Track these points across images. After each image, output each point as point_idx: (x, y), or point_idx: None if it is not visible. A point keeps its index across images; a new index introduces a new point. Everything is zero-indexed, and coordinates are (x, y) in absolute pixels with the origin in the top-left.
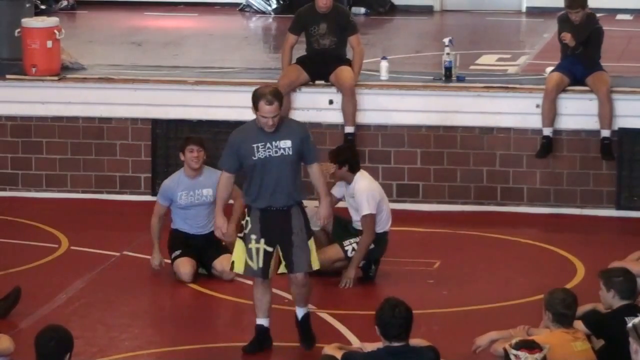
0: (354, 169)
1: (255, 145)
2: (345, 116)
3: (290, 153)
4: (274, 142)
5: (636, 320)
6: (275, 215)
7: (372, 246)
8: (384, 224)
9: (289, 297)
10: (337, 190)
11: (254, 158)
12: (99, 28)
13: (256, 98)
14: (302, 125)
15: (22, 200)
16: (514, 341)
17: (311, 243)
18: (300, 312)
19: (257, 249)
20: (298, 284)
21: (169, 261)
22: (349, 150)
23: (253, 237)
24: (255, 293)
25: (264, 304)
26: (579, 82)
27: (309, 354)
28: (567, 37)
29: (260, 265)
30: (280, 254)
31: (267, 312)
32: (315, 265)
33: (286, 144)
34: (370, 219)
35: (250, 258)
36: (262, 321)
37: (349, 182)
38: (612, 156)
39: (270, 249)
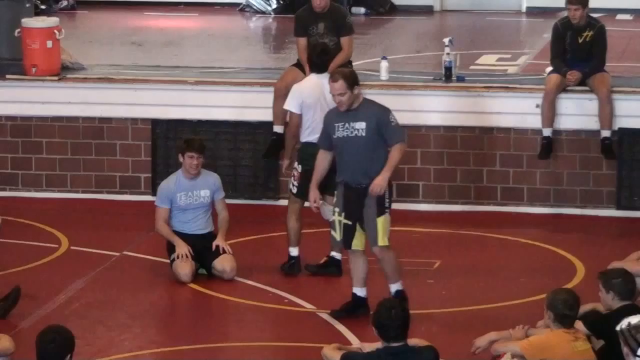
0: None
1: (335, 125)
2: None
3: (364, 134)
4: (351, 123)
5: (624, 323)
6: (354, 192)
7: None
8: None
9: (289, 297)
10: None
11: (334, 136)
12: (99, 28)
13: None
14: (382, 108)
15: (22, 200)
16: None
17: (381, 220)
18: (392, 288)
19: (339, 222)
20: (378, 258)
21: (167, 261)
22: None
23: (336, 209)
24: (350, 263)
25: (355, 272)
26: (580, 82)
27: (309, 354)
28: (574, 75)
29: (342, 236)
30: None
31: (360, 281)
32: (382, 242)
33: (361, 125)
34: None
35: (334, 229)
36: (355, 289)
37: None
38: (613, 155)
39: (349, 222)
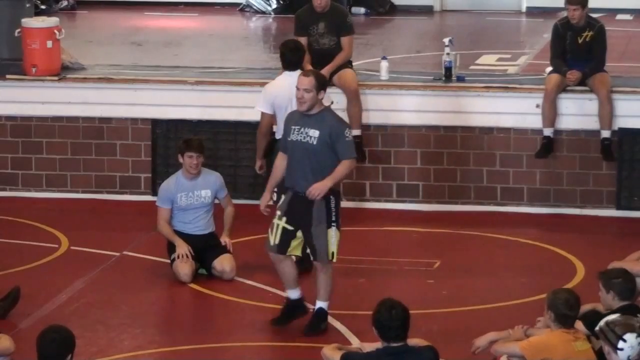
0: None
1: (292, 127)
2: (352, 119)
3: (315, 143)
4: (306, 129)
5: (602, 322)
6: (300, 200)
7: None
8: None
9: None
10: None
11: (288, 139)
12: (99, 28)
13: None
14: (340, 122)
15: (22, 200)
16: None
17: (331, 234)
18: (317, 304)
19: (278, 225)
20: (318, 270)
21: (168, 261)
22: None
23: (278, 212)
24: (277, 269)
25: (284, 275)
26: (580, 83)
27: (309, 354)
28: (575, 74)
29: (277, 241)
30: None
31: (292, 282)
32: (332, 256)
33: (314, 133)
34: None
35: (271, 232)
36: (288, 292)
37: None
38: (612, 156)
39: (290, 228)
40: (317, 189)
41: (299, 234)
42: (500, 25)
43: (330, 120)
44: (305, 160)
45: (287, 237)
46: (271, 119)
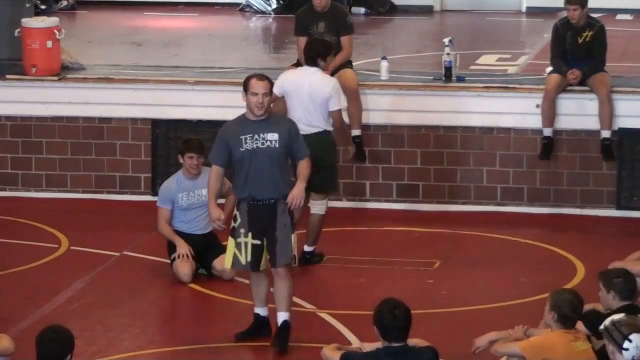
0: None
1: (242, 137)
2: (352, 119)
3: (277, 146)
4: (261, 134)
5: (607, 321)
6: (261, 208)
7: None
8: None
9: None
10: None
11: (241, 149)
12: (99, 28)
13: (247, 80)
14: (290, 120)
15: (22, 200)
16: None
17: (294, 238)
18: (281, 316)
19: (246, 243)
20: (280, 277)
21: (168, 260)
22: None
23: (242, 231)
24: (250, 283)
25: (259, 293)
26: (580, 82)
27: (309, 354)
28: (575, 73)
29: (249, 259)
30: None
31: (264, 301)
32: (297, 262)
33: (273, 136)
34: None
35: (240, 252)
36: (258, 310)
37: None
38: (612, 157)
39: (258, 242)
40: (298, 197)
41: (265, 244)
42: (500, 25)
43: (282, 121)
44: (268, 165)
45: (258, 252)
46: (282, 105)
